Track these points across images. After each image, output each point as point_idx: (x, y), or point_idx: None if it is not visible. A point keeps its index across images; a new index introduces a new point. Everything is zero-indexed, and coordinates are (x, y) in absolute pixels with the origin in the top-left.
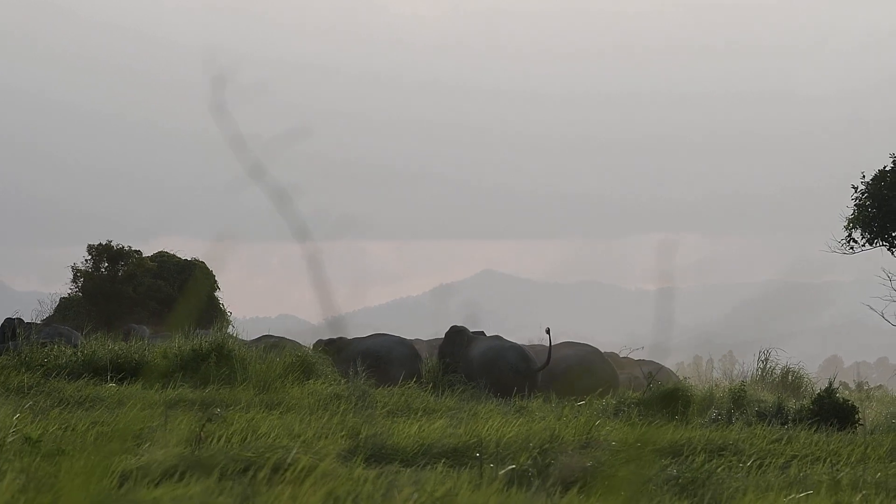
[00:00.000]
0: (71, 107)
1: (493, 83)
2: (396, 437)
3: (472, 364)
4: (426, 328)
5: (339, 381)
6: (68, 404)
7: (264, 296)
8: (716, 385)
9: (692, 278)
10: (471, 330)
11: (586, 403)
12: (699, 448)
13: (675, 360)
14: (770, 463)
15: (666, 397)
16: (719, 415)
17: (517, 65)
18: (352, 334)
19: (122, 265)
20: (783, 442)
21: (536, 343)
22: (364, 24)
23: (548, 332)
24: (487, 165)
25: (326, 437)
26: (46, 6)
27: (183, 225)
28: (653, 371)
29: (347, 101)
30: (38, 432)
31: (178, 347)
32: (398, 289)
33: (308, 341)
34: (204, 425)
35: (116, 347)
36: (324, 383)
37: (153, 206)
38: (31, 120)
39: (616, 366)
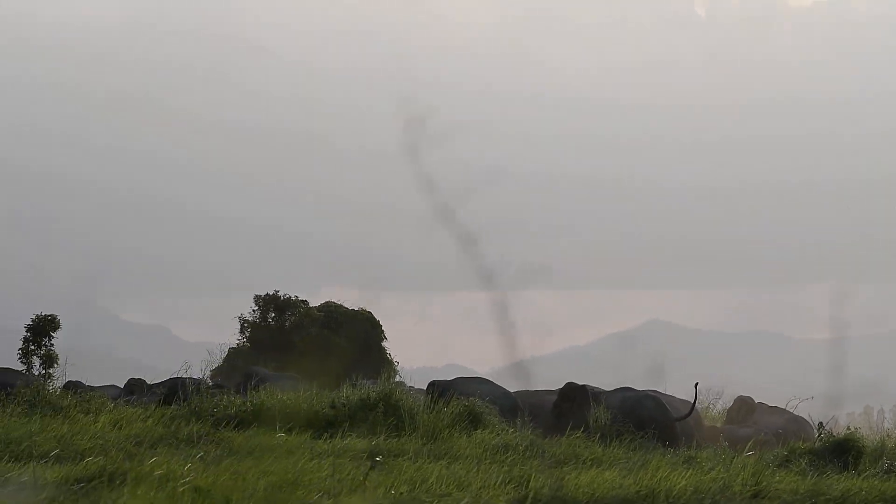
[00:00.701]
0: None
1: (658, 133)
2: (567, 488)
3: (610, 414)
4: (596, 377)
5: (507, 430)
6: (238, 454)
7: (431, 344)
8: (887, 435)
9: (862, 327)
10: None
11: (755, 454)
12: (871, 500)
13: (846, 410)
14: None
15: (836, 448)
16: (891, 466)
17: (682, 112)
18: (527, 384)
19: (289, 315)
20: None
21: (704, 394)
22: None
23: (696, 386)
24: (651, 215)
25: (495, 488)
26: (238, 44)
27: (350, 275)
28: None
29: (534, 151)
30: (209, 482)
31: (347, 397)
32: (566, 338)
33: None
34: (367, 474)
35: (285, 397)
36: (491, 433)
37: (320, 255)
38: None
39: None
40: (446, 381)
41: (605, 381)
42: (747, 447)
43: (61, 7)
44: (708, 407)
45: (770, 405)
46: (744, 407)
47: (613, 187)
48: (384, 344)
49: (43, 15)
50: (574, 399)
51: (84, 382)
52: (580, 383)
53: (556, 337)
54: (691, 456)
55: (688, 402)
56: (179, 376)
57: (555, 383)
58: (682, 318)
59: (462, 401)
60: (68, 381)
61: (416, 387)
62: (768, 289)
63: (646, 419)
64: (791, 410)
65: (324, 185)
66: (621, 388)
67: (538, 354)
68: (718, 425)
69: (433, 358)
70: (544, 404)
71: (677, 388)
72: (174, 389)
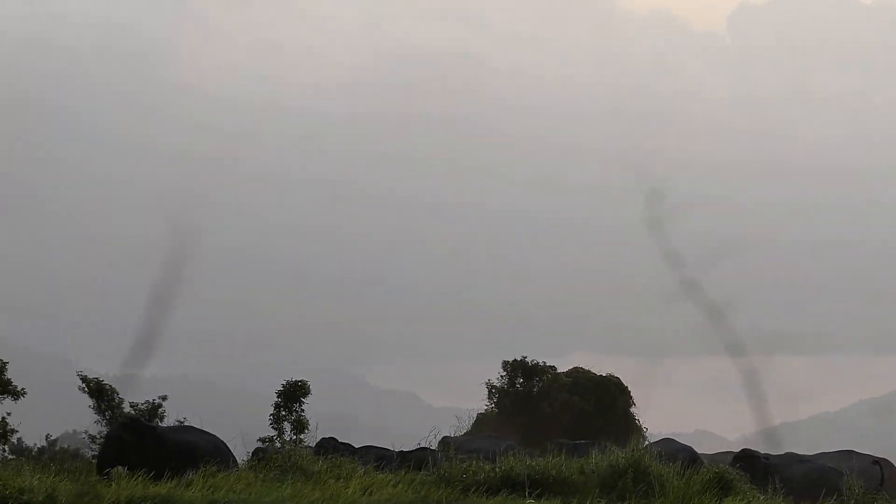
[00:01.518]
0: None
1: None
2: None
3: (792, 484)
4: (848, 444)
5: (758, 497)
6: None
7: (680, 411)
8: None
9: None
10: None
11: None
12: None
13: None
14: None
15: None
16: None
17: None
18: (780, 450)
19: (536, 381)
20: None
21: None
22: None
23: (877, 464)
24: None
25: None
26: (476, 129)
27: (597, 340)
28: None
29: (772, 220)
30: None
31: (595, 463)
32: (817, 404)
33: (724, 457)
34: None
35: (534, 463)
36: (742, 500)
37: (568, 319)
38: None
39: None
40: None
41: (859, 447)
42: None
43: None
44: None
45: None
46: None
47: (859, 250)
48: (632, 409)
49: None
50: (746, 466)
51: (337, 438)
52: (759, 452)
53: (808, 403)
54: None
55: None
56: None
57: (807, 449)
58: None
59: (712, 467)
60: (323, 438)
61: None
62: None
63: (829, 491)
64: None
65: (568, 256)
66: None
67: (789, 420)
68: None
69: (681, 423)
70: (794, 471)
71: None
72: (423, 455)
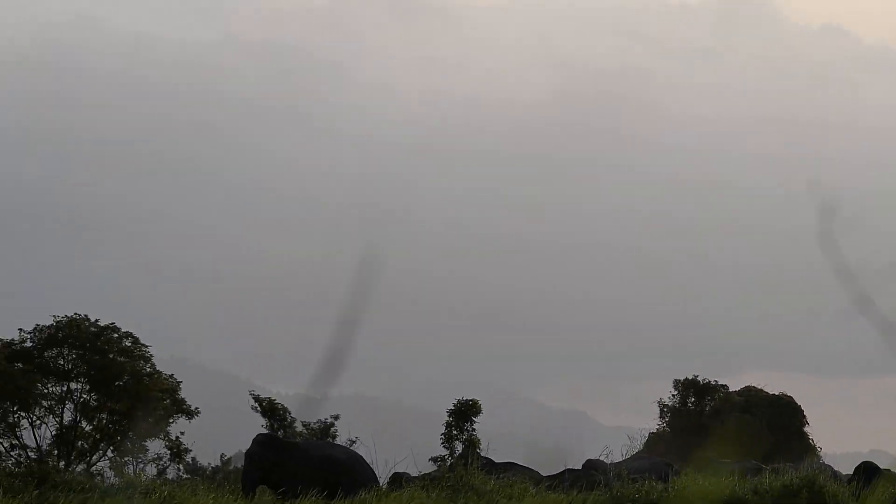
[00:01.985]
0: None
1: None
2: None
3: None
4: None
5: None
6: None
7: (855, 429)
8: None
9: None
10: None
11: None
12: None
13: None
14: None
15: None
16: None
17: None
18: None
19: (708, 400)
20: None
21: None
22: None
23: None
24: None
25: None
26: (621, 134)
27: (770, 359)
28: None
29: None
30: None
31: (769, 483)
32: None
33: None
34: None
35: (707, 483)
36: None
37: (740, 338)
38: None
39: None
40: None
41: None
42: None
43: None
44: None
45: None
46: None
47: None
48: (805, 429)
49: None
50: None
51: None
52: None
53: None
54: None
55: None
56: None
57: None
58: None
59: (888, 486)
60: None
61: (841, 472)
62: None
63: None
64: None
65: (740, 274)
66: None
67: None
68: None
69: (856, 442)
70: None
71: None
72: (593, 475)
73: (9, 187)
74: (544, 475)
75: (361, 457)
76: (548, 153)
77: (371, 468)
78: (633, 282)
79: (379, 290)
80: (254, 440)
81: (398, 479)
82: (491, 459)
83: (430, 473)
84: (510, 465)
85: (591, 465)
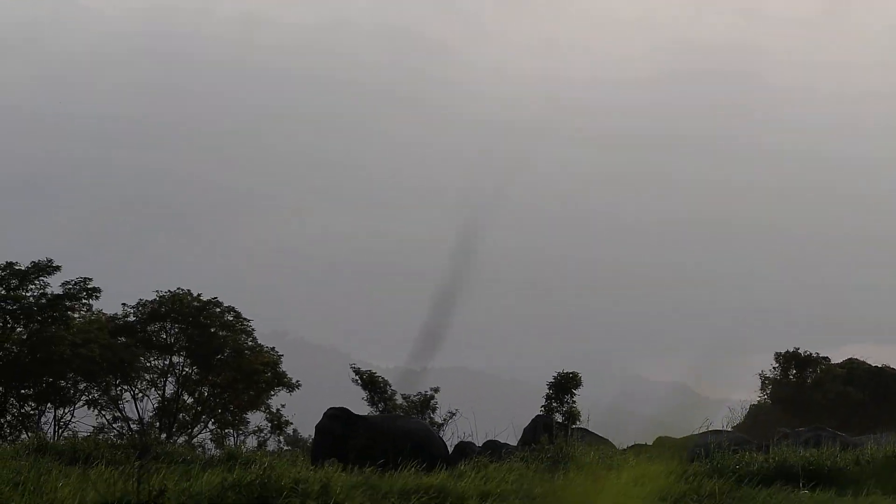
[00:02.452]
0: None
1: None
2: None
3: None
4: None
5: None
6: None
7: None
8: None
9: None
10: None
11: None
12: None
13: None
14: None
15: None
16: None
17: None
18: None
19: (810, 372)
20: None
21: None
22: None
23: None
24: None
25: None
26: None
27: (872, 330)
28: None
29: None
30: None
31: (871, 454)
32: None
33: None
34: None
35: (808, 454)
36: None
37: (842, 310)
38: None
39: None
40: None
41: None
42: None
43: None
44: None
45: None
46: None
47: None
48: None
49: None
50: None
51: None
52: None
53: None
54: None
55: None
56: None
57: None
58: None
59: None
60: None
61: None
62: None
63: None
64: None
65: (840, 244)
66: None
67: None
68: None
69: None
70: None
71: None
72: (696, 447)
73: (124, 175)
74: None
75: (431, 428)
76: (660, 130)
77: (442, 440)
78: (731, 256)
79: (483, 266)
80: (325, 414)
81: (494, 447)
82: (590, 431)
83: (529, 446)
84: (604, 440)
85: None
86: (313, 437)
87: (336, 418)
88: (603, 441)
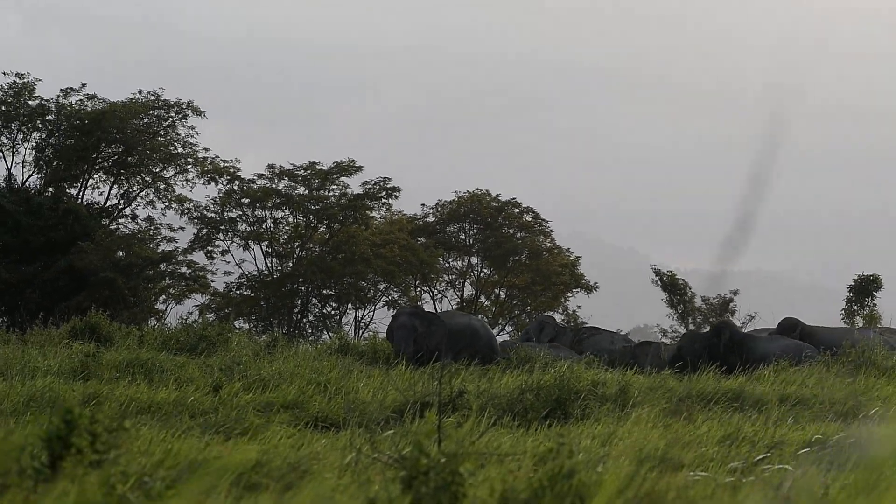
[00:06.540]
0: None
1: None
2: None
3: None
4: None
5: None
6: None
7: None
8: None
9: None
10: None
11: None
12: None
13: None
14: None
15: None
16: None
17: None
18: None
19: None
20: None
21: None
22: None
23: None
24: None
25: None
26: None
27: None
28: None
29: None
30: None
31: None
32: None
33: None
34: None
35: None
36: None
37: None
38: None
39: None
40: None
41: None
42: None
43: None
44: None
45: None
46: None
47: None
48: None
49: None
50: None
51: None
52: None
53: None
54: None
55: None
56: None
57: None
58: None
59: None
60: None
61: None
62: None
63: None
64: None
65: None
66: None
67: None
68: None
69: None
70: None
71: None
72: None
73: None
74: None
75: (482, 322)
76: None
77: (491, 333)
78: None
79: (787, 164)
80: (401, 312)
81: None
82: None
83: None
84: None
85: None
86: (395, 332)
87: (414, 315)
88: None
